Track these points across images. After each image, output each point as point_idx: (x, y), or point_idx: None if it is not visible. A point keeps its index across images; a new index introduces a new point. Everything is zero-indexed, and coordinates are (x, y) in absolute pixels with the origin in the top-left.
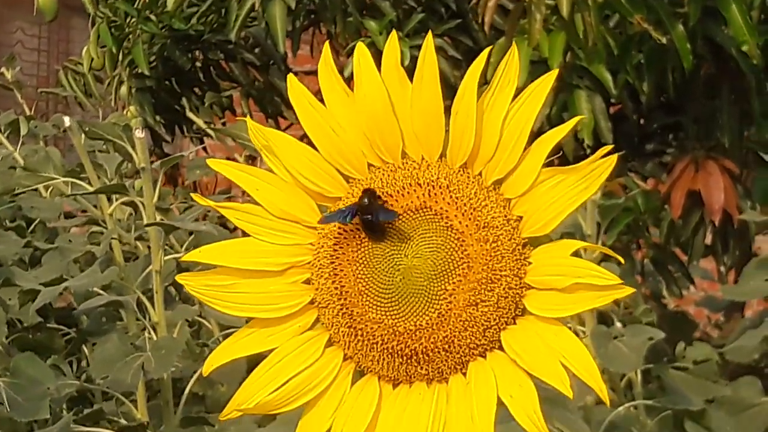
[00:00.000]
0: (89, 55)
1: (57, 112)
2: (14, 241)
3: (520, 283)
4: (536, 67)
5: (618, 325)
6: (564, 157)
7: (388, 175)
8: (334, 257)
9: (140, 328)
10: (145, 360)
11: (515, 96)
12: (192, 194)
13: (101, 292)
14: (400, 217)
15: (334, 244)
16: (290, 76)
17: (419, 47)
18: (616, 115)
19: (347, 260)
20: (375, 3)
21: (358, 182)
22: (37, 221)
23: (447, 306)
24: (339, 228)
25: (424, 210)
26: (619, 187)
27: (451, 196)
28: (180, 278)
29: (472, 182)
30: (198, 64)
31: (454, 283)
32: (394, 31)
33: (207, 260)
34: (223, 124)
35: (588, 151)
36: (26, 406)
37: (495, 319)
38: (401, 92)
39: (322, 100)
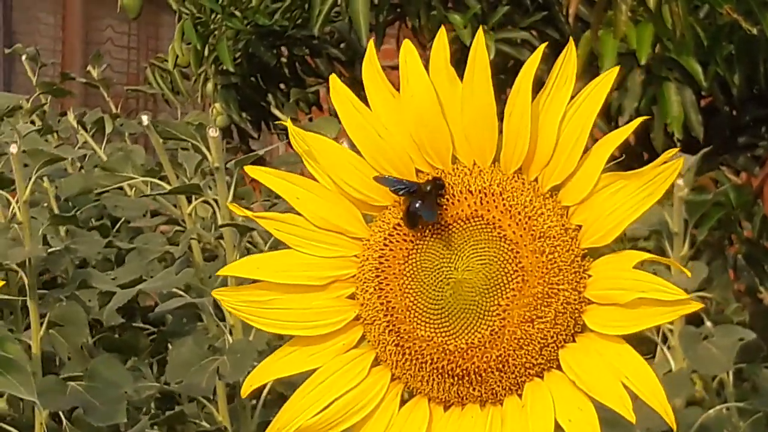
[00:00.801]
0: (174, 53)
1: (147, 109)
2: (96, 241)
3: (579, 298)
4: (624, 59)
5: (708, 324)
6: (654, 151)
7: None
8: (379, 270)
9: (220, 330)
10: (221, 364)
11: (573, 95)
12: (229, 204)
13: (181, 293)
14: (450, 226)
15: (380, 257)
16: (332, 77)
17: (505, 41)
18: (707, 108)
19: (393, 273)
20: None
21: None
22: (122, 220)
23: (500, 323)
24: (385, 239)
25: (476, 219)
26: (711, 182)
27: (504, 204)
28: (216, 293)
29: (527, 189)
30: (283, 59)
31: (508, 297)
32: (443, 27)
33: (245, 274)
34: (310, 119)
35: (678, 144)
36: (103, 410)
37: (552, 337)
38: (451, 92)
39: None
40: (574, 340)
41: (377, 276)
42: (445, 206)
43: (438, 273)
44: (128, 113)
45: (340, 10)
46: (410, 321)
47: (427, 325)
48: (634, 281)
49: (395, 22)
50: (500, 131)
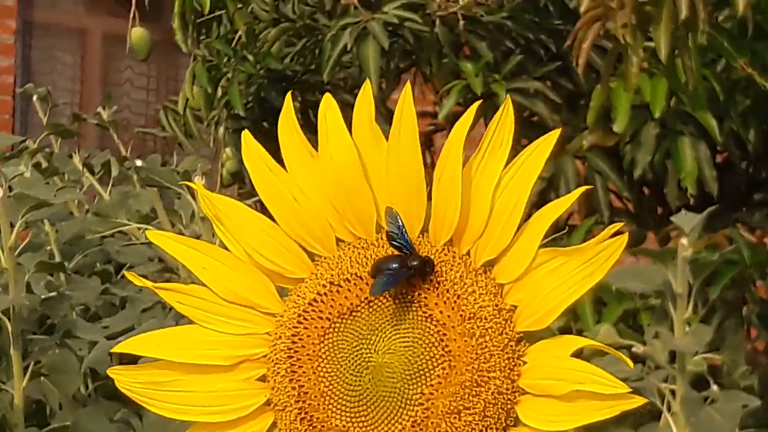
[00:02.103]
0: (184, 96)
1: (165, 152)
2: (93, 287)
3: (513, 387)
4: (638, 112)
5: (714, 388)
6: (668, 207)
7: (359, 253)
8: (292, 351)
9: None
10: None
11: (509, 160)
12: (126, 273)
13: None
14: (372, 303)
15: (293, 335)
16: (245, 133)
17: (517, 91)
18: (722, 164)
19: (307, 354)
20: (471, 44)
21: (324, 260)
22: (127, 266)
23: (424, 413)
24: (299, 315)
25: (400, 297)
26: (724, 239)
27: (431, 281)
28: (111, 372)
29: (458, 264)
30: (296, 104)
31: (432, 385)
32: (367, 81)
33: (143, 352)
34: None
35: (691, 201)
36: None
37: (481, 430)
38: (375, 153)
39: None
40: None
41: (290, 357)
42: (366, 280)
43: (356, 356)
44: (141, 155)
45: (352, 56)
46: (325, 408)
47: (343, 413)
48: (570, 371)
49: (410, 68)
50: (431, 198)
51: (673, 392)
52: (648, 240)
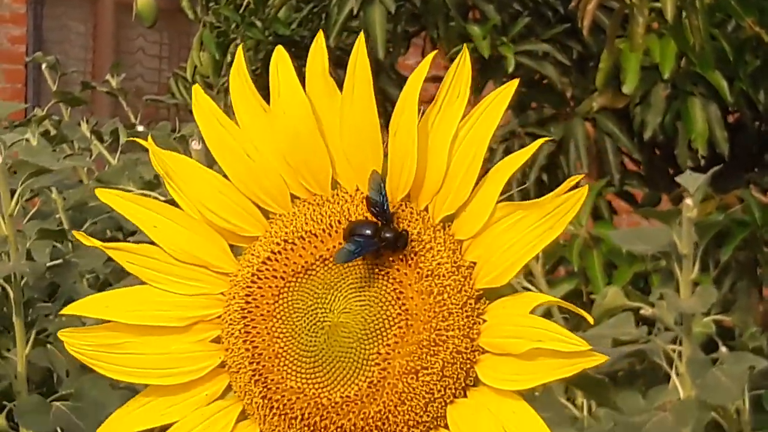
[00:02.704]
0: (192, 63)
1: (180, 119)
2: (99, 254)
3: (472, 346)
4: (648, 73)
5: (723, 350)
6: (679, 168)
7: (314, 210)
8: (246, 311)
9: None
10: None
11: (466, 113)
12: (75, 232)
13: None
14: (327, 262)
15: (246, 295)
16: (195, 87)
17: (526, 53)
18: (734, 124)
19: (261, 315)
20: (478, 6)
21: (278, 218)
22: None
23: (380, 374)
24: (253, 275)
25: None
26: (735, 200)
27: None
28: (60, 334)
29: (416, 220)
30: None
31: (389, 345)
32: (320, 32)
33: (92, 314)
34: None
35: (702, 162)
36: None
37: (439, 391)
38: (329, 107)
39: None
40: (465, 395)
41: (244, 317)
42: (321, 238)
43: (311, 315)
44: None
45: (360, 21)
46: (279, 370)
47: (298, 374)
48: (530, 329)
49: (420, 32)
50: (386, 153)
51: (680, 354)
52: (663, 203)
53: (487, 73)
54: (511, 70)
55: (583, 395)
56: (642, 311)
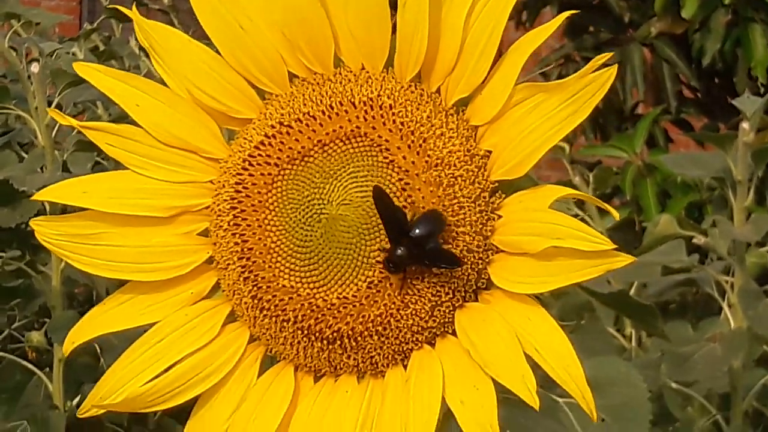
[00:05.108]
0: None
1: None
2: None
3: (485, 245)
4: None
5: None
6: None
7: (314, 90)
8: (236, 201)
9: None
10: None
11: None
12: (48, 109)
13: None
14: (326, 147)
15: (237, 183)
16: None
17: None
18: None
19: (253, 205)
20: None
21: (275, 98)
22: None
23: (381, 273)
24: (245, 161)
25: (358, 139)
26: None
27: (394, 121)
28: (32, 223)
29: (426, 102)
30: None
31: None
32: None
33: (67, 200)
34: None
35: (762, 90)
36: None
37: (447, 294)
38: None
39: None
40: (475, 299)
41: (233, 208)
42: (320, 121)
43: (308, 207)
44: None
45: None
46: (271, 266)
47: (292, 272)
48: (549, 225)
49: None
50: (395, 29)
51: (732, 285)
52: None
53: None
54: None
55: (632, 325)
56: (694, 240)
